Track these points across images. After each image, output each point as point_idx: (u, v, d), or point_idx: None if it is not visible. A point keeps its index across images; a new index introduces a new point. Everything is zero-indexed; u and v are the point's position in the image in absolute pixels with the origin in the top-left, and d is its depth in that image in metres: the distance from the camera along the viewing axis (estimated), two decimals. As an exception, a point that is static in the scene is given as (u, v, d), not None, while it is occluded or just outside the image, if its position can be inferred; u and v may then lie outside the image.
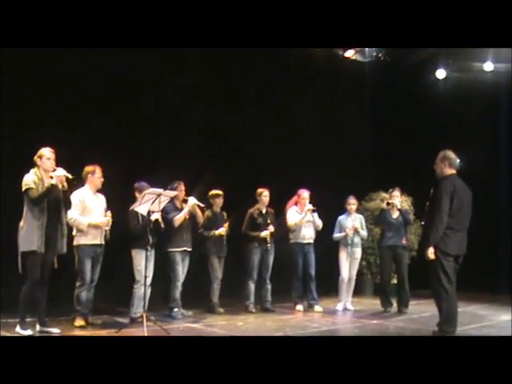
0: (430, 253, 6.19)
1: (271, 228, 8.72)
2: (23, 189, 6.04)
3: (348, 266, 9.33)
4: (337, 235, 9.37)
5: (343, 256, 9.33)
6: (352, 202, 9.43)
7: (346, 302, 9.41)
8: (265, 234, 8.70)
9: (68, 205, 6.47)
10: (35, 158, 6.23)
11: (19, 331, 6.05)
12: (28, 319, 6.28)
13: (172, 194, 7.09)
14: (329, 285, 9.85)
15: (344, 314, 9.01)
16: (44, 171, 6.21)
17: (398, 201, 9.10)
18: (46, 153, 6.22)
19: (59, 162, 6.30)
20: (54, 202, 6.22)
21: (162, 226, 7.52)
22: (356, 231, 9.27)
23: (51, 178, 6.21)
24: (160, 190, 6.64)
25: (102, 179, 7.08)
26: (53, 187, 6.11)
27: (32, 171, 6.16)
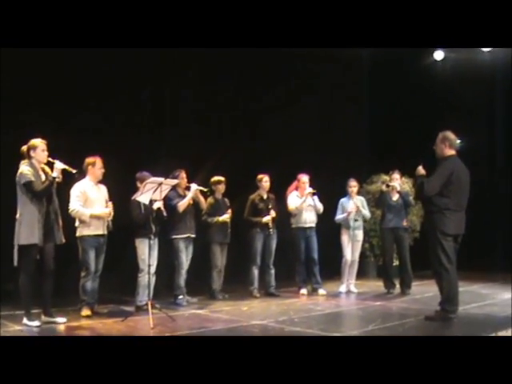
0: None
1: (273, 213, 8.76)
2: (22, 181, 5.97)
3: (350, 248, 9.41)
4: (339, 217, 9.43)
5: (345, 238, 9.41)
6: (353, 185, 9.48)
7: (349, 284, 9.48)
8: (266, 219, 8.73)
9: (62, 196, 6.49)
10: (25, 149, 6.18)
11: (26, 322, 6.09)
12: (35, 311, 6.33)
13: (173, 182, 7.11)
14: (332, 268, 9.93)
15: (348, 297, 9.10)
16: (37, 162, 6.19)
17: (397, 183, 9.13)
18: (40, 144, 6.18)
19: (59, 154, 6.29)
20: (49, 194, 6.21)
21: (165, 214, 7.58)
22: (358, 210, 9.33)
23: (42, 170, 6.22)
24: (161, 179, 6.66)
25: (103, 170, 7.11)
26: (54, 180, 6.14)
27: (26, 163, 6.12)
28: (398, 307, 7.77)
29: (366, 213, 9.57)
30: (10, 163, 6.26)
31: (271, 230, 8.77)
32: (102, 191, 7.19)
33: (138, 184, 7.21)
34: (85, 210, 6.85)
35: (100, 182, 7.19)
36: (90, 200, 6.96)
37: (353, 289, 9.48)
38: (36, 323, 6.08)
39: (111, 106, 8.83)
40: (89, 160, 7.03)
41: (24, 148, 6.20)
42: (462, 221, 6.41)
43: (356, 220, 9.32)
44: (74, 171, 6.33)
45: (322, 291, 9.09)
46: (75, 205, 6.79)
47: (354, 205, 9.29)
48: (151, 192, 6.66)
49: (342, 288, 9.42)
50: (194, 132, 9.75)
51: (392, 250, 9.35)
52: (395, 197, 9.14)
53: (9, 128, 7.40)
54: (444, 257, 6.22)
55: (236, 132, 10.38)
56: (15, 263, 6.01)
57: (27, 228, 5.99)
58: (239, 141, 10.31)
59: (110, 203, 7.09)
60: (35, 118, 7.73)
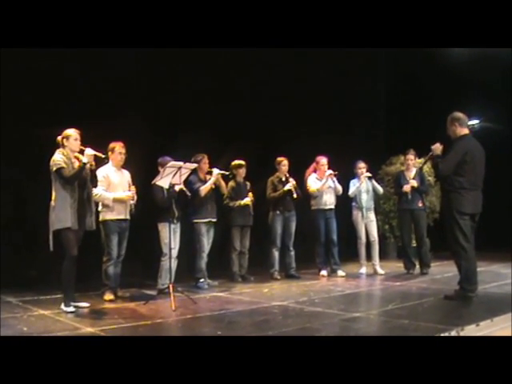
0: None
1: (293, 181, 8.86)
2: (54, 169, 6.09)
3: (364, 228, 9.47)
4: (352, 188, 9.45)
5: (358, 219, 9.48)
6: (362, 166, 9.49)
7: (374, 265, 9.48)
8: (288, 186, 8.79)
9: (95, 182, 6.61)
10: (59, 139, 6.31)
11: (64, 308, 6.16)
12: (58, 296, 6.50)
13: (192, 166, 7.14)
14: (352, 250, 9.97)
15: (367, 278, 9.13)
16: (71, 151, 6.31)
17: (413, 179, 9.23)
18: (73, 133, 6.29)
19: (86, 140, 6.39)
20: (83, 180, 6.31)
21: (188, 194, 7.64)
22: (369, 178, 9.44)
23: (76, 158, 6.33)
24: (180, 163, 6.72)
25: (123, 156, 7.15)
26: (85, 166, 6.23)
27: (59, 151, 6.23)
28: (417, 287, 7.82)
29: (378, 186, 9.65)
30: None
31: (295, 194, 8.80)
32: (125, 176, 7.27)
33: (160, 169, 7.24)
34: (107, 193, 6.95)
35: (124, 167, 7.28)
36: (113, 184, 7.05)
37: (379, 270, 9.42)
38: (71, 309, 6.14)
39: (136, 94, 8.89)
40: (110, 145, 7.11)
41: (59, 138, 6.34)
42: (478, 199, 6.44)
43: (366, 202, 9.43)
44: (104, 156, 6.51)
45: (340, 272, 9.17)
46: (98, 189, 6.86)
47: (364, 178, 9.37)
48: (171, 176, 6.74)
49: (363, 269, 9.46)
50: (216, 117, 9.75)
51: (409, 229, 9.41)
52: (411, 178, 9.20)
53: (46, 119, 7.52)
54: (461, 236, 6.28)
55: (254, 117, 10.36)
56: (51, 248, 6.12)
57: (60, 213, 6.10)
58: (257, 125, 10.32)
59: (133, 187, 7.17)
60: (65, 108, 7.93)
